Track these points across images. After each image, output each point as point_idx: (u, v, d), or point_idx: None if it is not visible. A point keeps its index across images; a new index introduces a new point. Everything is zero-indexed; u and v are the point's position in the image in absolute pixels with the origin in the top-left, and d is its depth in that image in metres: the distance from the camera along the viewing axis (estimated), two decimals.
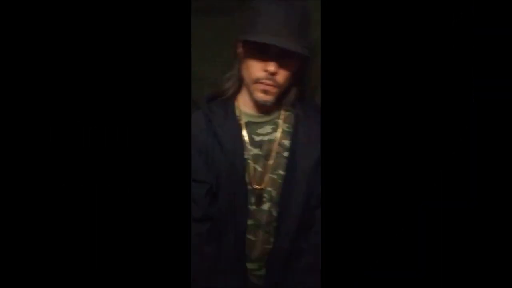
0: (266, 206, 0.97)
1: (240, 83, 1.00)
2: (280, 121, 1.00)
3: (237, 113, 1.00)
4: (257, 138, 0.98)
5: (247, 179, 0.97)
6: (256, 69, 0.92)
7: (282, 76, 0.92)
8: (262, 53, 0.91)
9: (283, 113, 1.00)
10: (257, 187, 0.97)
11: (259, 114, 1.00)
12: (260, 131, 0.99)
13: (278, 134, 0.99)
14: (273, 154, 0.98)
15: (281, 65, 0.91)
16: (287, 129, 0.99)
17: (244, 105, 1.00)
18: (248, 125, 0.99)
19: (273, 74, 0.91)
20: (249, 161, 0.97)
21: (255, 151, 0.98)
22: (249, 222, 0.97)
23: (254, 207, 0.97)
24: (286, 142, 0.98)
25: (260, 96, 0.94)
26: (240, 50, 0.95)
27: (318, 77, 1.34)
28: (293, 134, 0.98)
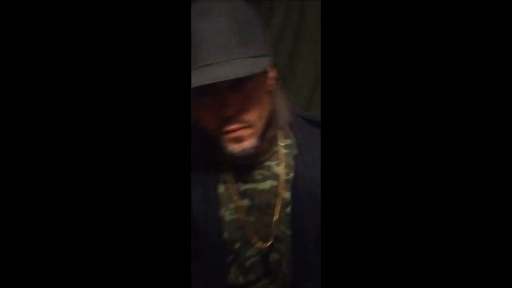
0: (276, 268, 0.78)
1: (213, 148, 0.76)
2: (273, 165, 0.78)
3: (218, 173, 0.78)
4: (243, 187, 0.77)
5: (235, 234, 0.77)
6: (211, 119, 0.71)
7: (248, 111, 0.70)
8: (208, 91, 0.69)
9: (280, 151, 0.78)
10: (258, 246, 0.77)
11: (242, 160, 0.76)
12: (245, 178, 0.78)
13: (271, 183, 0.78)
14: (270, 208, 0.77)
15: (239, 97, 0.69)
16: (286, 176, 0.77)
17: (226, 163, 0.78)
18: (231, 171, 0.78)
19: (233, 116, 0.69)
20: (234, 216, 0.78)
21: (243, 202, 0.77)
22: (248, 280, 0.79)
23: (253, 265, 0.78)
24: (286, 194, 0.77)
25: (234, 147, 0.71)
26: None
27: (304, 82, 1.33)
28: (294, 181, 0.76)
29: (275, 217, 0.76)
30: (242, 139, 0.71)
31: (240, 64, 0.67)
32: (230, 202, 0.77)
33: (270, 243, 0.76)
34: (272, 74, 0.77)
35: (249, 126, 0.71)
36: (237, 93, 0.69)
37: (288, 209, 0.77)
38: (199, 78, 0.66)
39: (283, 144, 0.80)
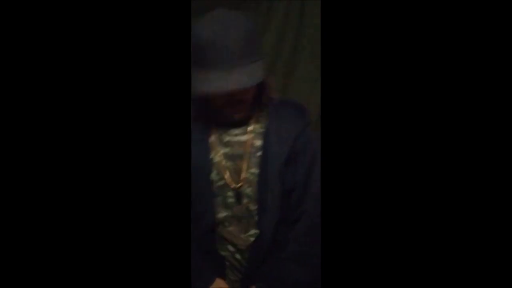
0: (244, 201, 1.01)
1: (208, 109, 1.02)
2: (251, 122, 1.03)
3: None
4: (226, 138, 1.01)
5: (215, 178, 1.00)
6: (216, 103, 0.94)
7: (245, 100, 0.94)
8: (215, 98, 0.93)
9: (256, 114, 1.04)
10: (234, 186, 1.00)
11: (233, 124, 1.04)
12: (229, 131, 1.02)
13: (249, 136, 1.02)
14: (246, 154, 1.01)
15: (237, 106, 0.94)
16: (259, 129, 1.03)
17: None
18: (219, 126, 1.02)
19: (236, 102, 0.93)
20: (217, 160, 1.01)
21: (226, 150, 1.01)
22: (228, 214, 1.01)
23: (233, 202, 1.01)
24: (258, 142, 1.02)
25: (235, 115, 0.97)
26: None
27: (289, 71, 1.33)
28: (265, 133, 1.02)
29: (246, 163, 1.01)
30: (239, 111, 0.96)
31: (246, 76, 0.89)
32: (217, 148, 1.01)
33: (240, 184, 1.00)
34: (272, 83, 1.03)
35: (244, 102, 0.96)
36: (235, 101, 0.94)
37: (258, 154, 1.01)
38: (210, 85, 0.88)
39: (259, 110, 1.05)
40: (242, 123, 1.02)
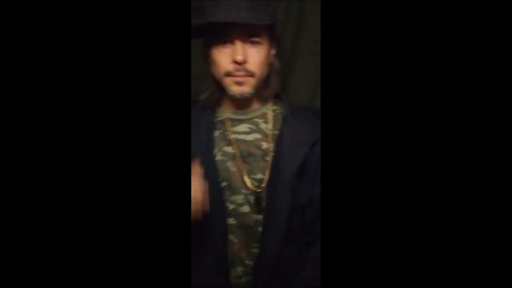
0: (245, 209, 0.92)
1: (219, 89, 0.94)
2: (261, 121, 0.95)
3: (217, 113, 0.97)
4: (230, 136, 0.93)
5: (218, 177, 0.92)
6: (223, 62, 0.88)
7: (253, 64, 0.88)
8: (226, 40, 0.87)
9: (268, 113, 0.96)
10: (245, 189, 0.91)
11: (240, 111, 0.96)
12: (235, 129, 0.95)
13: (256, 136, 0.95)
14: (251, 156, 0.93)
15: (249, 51, 0.88)
16: (269, 131, 0.94)
17: (226, 105, 0.96)
18: (225, 121, 0.95)
19: (242, 63, 0.87)
20: (219, 159, 0.93)
21: (228, 149, 0.93)
22: (231, 221, 0.92)
23: (234, 207, 0.92)
24: (265, 145, 0.93)
25: (235, 88, 0.89)
26: (205, 48, 0.92)
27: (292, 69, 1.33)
28: (279, 136, 0.93)
29: (246, 164, 0.93)
30: (243, 83, 0.89)
31: (256, 15, 0.85)
32: (221, 146, 0.94)
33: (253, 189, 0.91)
34: (273, 51, 0.95)
35: (250, 75, 0.89)
36: (248, 46, 0.88)
37: (267, 158, 0.93)
38: (220, 17, 0.85)
39: (271, 108, 0.98)
40: (245, 108, 0.93)
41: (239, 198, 0.92)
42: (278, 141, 0.93)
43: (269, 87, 0.95)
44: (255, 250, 0.91)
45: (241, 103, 0.95)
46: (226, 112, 0.96)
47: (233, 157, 0.93)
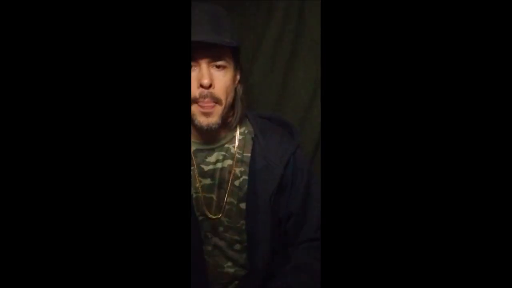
0: (227, 234, 0.95)
1: None
2: (231, 147, 0.96)
3: None
4: (206, 168, 0.94)
5: (199, 210, 0.94)
6: (193, 90, 0.87)
7: (218, 89, 0.87)
8: (192, 60, 0.86)
9: (236, 137, 0.96)
10: (211, 216, 0.94)
11: (206, 141, 0.95)
12: (209, 159, 0.95)
13: (228, 162, 0.95)
14: (225, 183, 0.94)
15: (215, 75, 0.87)
16: (238, 155, 0.95)
17: (193, 136, 0.95)
18: (196, 153, 0.95)
19: (208, 86, 0.86)
20: (199, 193, 0.94)
21: (206, 181, 0.94)
22: (208, 248, 0.95)
23: (210, 235, 0.95)
24: (238, 171, 0.94)
25: (202, 120, 0.89)
26: None
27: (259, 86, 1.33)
28: (251, 159, 0.94)
29: (222, 191, 0.94)
30: (210, 115, 0.88)
31: (222, 36, 0.86)
32: (196, 181, 0.94)
33: (220, 215, 0.94)
34: (238, 76, 0.96)
35: (216, 102, 0.88)
36: (214, 70, 0.88)
37: (237, 182, 0.94)
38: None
39: (238, 130, 0.98)
40: (213, 138, 0.93)
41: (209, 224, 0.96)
42: (251, 165, 0.94)
43: (235, 115, 0.95)
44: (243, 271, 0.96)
45: (208, 133, 0.93)
46: (193, 144, 0.95)
47: (214, 187, 0.94)
